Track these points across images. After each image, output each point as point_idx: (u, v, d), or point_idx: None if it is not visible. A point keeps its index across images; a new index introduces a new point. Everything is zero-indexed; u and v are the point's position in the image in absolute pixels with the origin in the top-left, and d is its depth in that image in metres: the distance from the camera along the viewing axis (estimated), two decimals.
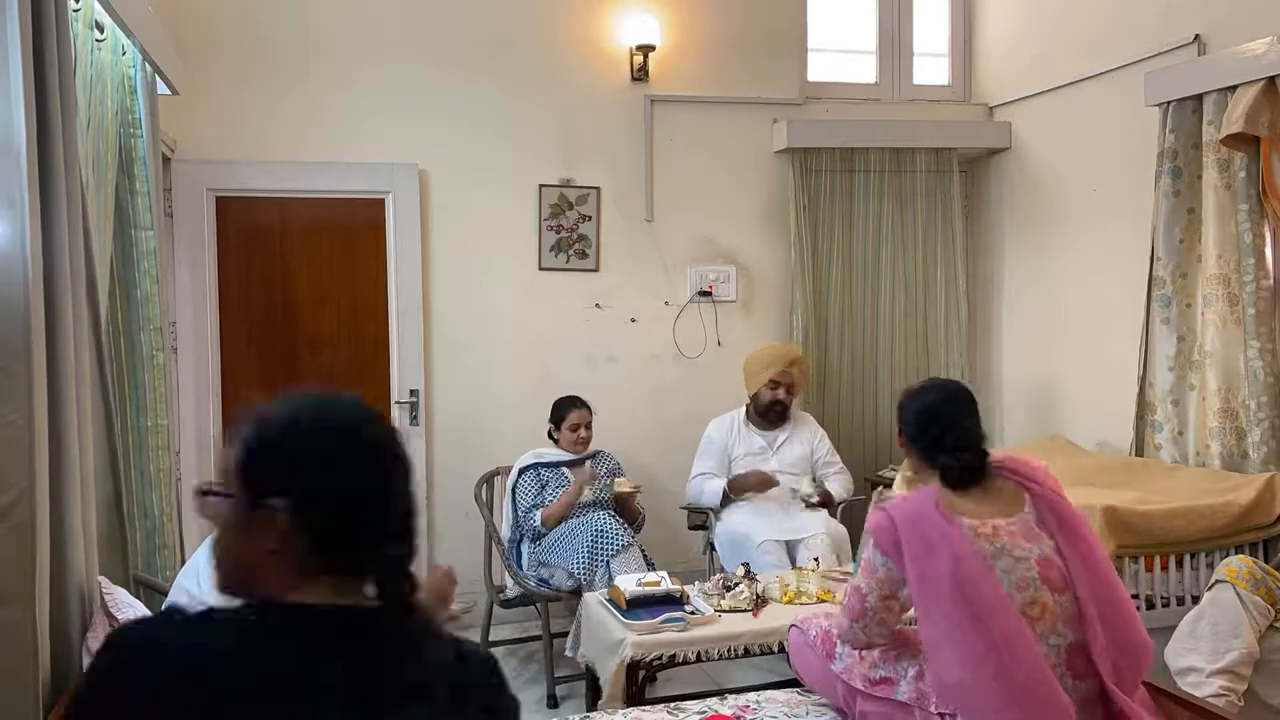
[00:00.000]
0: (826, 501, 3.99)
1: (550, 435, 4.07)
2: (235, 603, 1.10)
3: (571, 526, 3.74)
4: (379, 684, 1.06)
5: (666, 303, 4.70)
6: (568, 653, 3.21)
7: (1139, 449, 3.88)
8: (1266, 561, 3.12)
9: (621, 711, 2.46)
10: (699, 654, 2.86)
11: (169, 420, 3.02)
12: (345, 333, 4.40)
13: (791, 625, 2.58)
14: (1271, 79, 3.28)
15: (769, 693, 2.53)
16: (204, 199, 4.17)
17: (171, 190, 4.04)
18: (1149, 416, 3.84)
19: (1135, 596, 3.11)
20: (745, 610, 3.00)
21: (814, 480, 4.01)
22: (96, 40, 2.63)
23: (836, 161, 4.73)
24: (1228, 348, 3.53)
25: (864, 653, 2.25)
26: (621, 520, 3.80)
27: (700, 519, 4.17)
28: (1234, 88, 3.40)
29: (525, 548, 3.91)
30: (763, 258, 4.80)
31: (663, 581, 3.05)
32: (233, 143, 4.18)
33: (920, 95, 5.01)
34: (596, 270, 4.61)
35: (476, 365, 4.47)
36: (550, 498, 3.87)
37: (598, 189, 4.58)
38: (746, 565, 3.26)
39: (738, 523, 3.89)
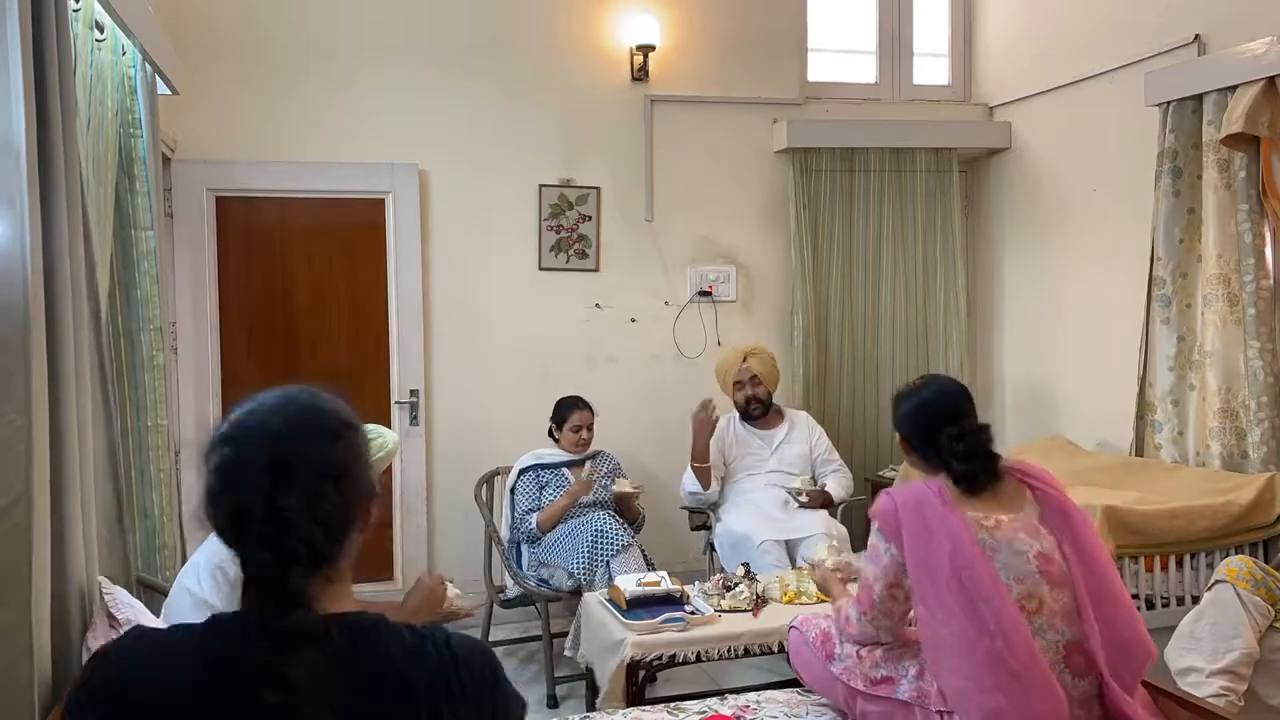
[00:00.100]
0: (826, 502, 3.99)
1: (551, 435, 4.07)
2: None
3: (571, 526, 3.74)
4: (324, 690, 1.09)
5: (666, 303, 4.71)
6: (567, 653, 3.21)
7: (1139, 449, 3.88)
8: (1266, 561, 3.12)
9: (621, 711, 2.45)
10: (699, 654, 2.85)
11: (169, 420, 3.02)
12: (345, 333, 4.40)
13: (790, 627, 2.58)
14: (1271, 79, 3.28)
15: (769, 693, 2.53)
16: (204, 199, 4.17)
17: (171, 190, 4.05)
18: (1149, 416, 3.85)
19: (1135, 596, 3.11)
20: (745, 610, 3.00)
21: (811, 479, 4.02)
22: (96, 40, 2.63)
23: (836, 161, 4.73)
24: (1228, 348, 3.53)
25: (864, 653, 2.25)
26: (621, 520, 3.80)
27: (701, 519, 4.17)
28: (1234, 88, 3.41)
29: (525, 548, 3.92)
30: (763, 258, 4.80)
31: (663, 581, 3.05)
32: (233, 143, 4.18)
33: (920, 95, 5.01)
34: (596, 270, 4.61)
35: (476, 365, 4.47)
36: (550, 498, 3.87)
37: (598, 189, 4.58)
38: (746, 565, 3.27)
39: (738, 523, 3.89)
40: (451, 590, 2.32)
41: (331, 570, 1.17)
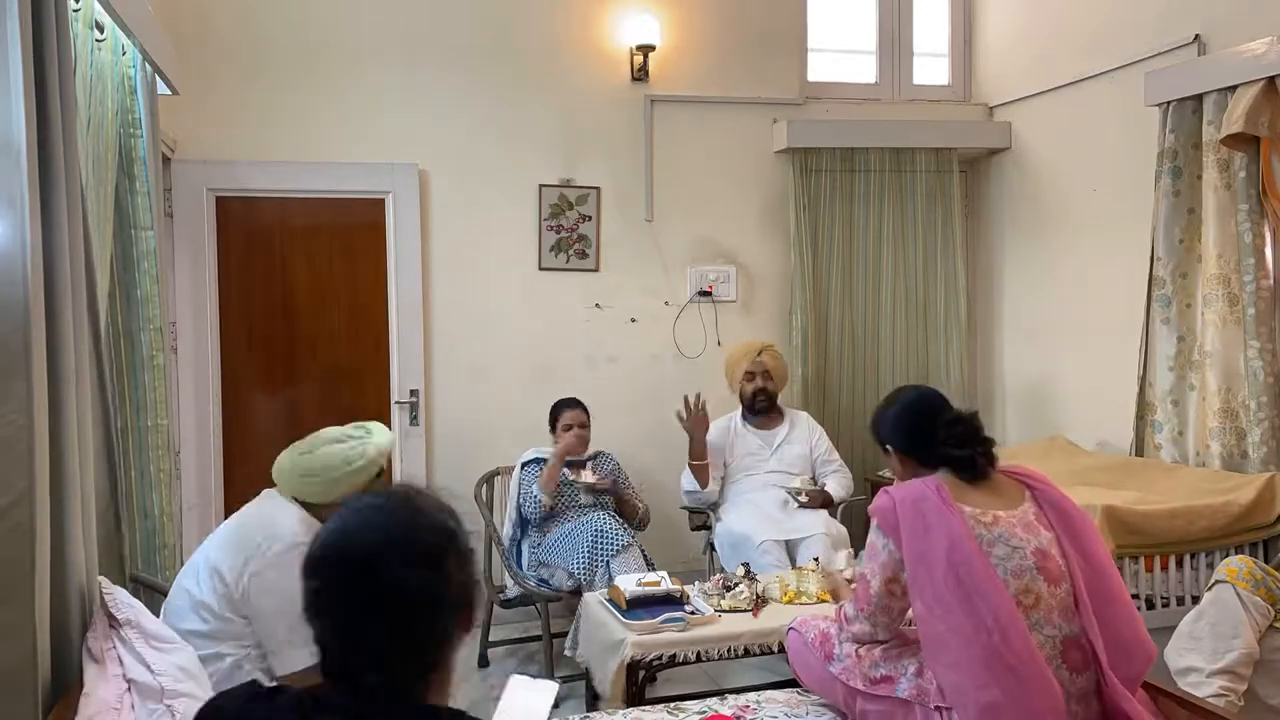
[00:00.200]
0: (826, 502, 3.99)
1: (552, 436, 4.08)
2: None
3: (571, 526, 3.74)
4: None
5: (666, 303, 4.71)
6: (567, 653, 3.21)
7: (1139, 449, 3.88)
8: (1266, 561, 3.12)
9: (621, 712, 2.45)
10: (699, 654, 2.85)
11: (169, 420, 3.02)
12: (345, 333, 4.40)
13: (789, 628, 2.58)
14: (1271, 79, 3.28)
15: (769, 693, 2.53)
16: (204, 199, 4.17)
17: (171, 190, 4.05)
18: (1149, 416, 3.85)
19: (1135, 596, 3.11)
20: (745, 610, 3.00)
21: (812, 479, 4.02)
22: (96, 40, 2.63)
23: (836, 161, 4.73)
24: (1228, 348, 3.53)
25: (863, 653, 2.25)
26: (621, 520, 3.80)
27: (701, 519, 4.18)
28: (1234, 88, 3.41)
29: (525, 547, 3.92)
30: (763, 258, 4.80)
31: (663, 581, 3.05)
32: (233, 143, 4.18)
33: (920, 95, 5.01)
34: (596, 270, 4.61)
35: (476, 365, 4.47)
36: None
37: (598, 189, 4.58)
38: (746, 565, 3.26)
39: (738, 523, 3.89)
40: None
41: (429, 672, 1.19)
